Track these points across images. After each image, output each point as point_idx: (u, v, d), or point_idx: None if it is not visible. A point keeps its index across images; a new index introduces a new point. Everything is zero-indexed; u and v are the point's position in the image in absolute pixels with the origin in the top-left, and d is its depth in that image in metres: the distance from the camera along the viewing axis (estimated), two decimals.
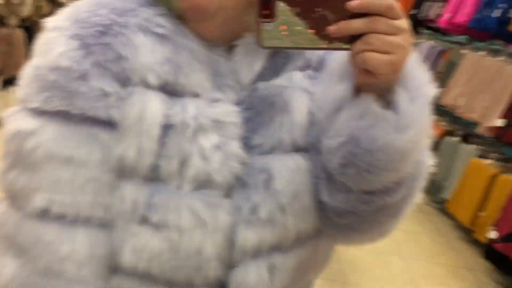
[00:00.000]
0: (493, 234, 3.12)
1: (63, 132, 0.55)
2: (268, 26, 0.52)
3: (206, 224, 0.57)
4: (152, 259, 0.57)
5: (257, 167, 0.61)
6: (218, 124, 0.58)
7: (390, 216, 0.64)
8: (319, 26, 0.52)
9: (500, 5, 3.56)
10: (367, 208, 0.60)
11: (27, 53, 4.33)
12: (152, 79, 0.57)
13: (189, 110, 0.57)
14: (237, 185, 0.60)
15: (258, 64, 0.62)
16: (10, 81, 4.23)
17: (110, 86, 0.56)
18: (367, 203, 0.59)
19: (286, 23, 0.52)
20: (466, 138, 4.14)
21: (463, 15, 4.14)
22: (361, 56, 0.51)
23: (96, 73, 0.56)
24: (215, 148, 0.58)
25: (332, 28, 0.51)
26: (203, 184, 0.57)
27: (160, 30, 0.58)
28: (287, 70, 0.64)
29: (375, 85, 0.54)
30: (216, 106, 0.59)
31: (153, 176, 0.57)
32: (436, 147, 4.39)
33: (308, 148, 0.63)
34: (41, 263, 0.55)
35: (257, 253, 0.61)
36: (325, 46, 0.53)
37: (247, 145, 0.61)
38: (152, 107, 0.56)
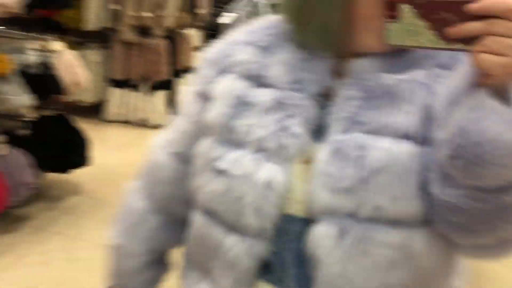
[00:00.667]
0: None
1: (191, 100, 0.84)
2: (392, 26, 0.57)
3: (248, 177, 0.70)
4: (212, 198, 0.74)
5: (356, 142, 0.67)
6: (281, 105, 0.72)
7: (508, 222, 0.61)
8: (440, 27, 0.55)
9: None
10: (481, 206, 0.59)
11: (170, 61, 4.77)
12: (240, 71, 0.77)
13: (262, 94, 0.73)
14: (332, 156, 0.67)
15: (376, 61, 0.70)
16: (156, 87, 4.68)
17: (211, 73, 0.80)
18: (480, 201, 0.59)
19: (409, 24, 0.57)
20: None
21: None
22: (478, 58, 0.52)
23: (207, 65, 0.82)
24: (274, 121, 0.71)
25: (452, 30, 0.54)
26: (259, 149, 0.71)
27: (262, 44, 0.78)
28: (412, 69, 0.70)
29: (491, 86, 0.55)
30: (286, 93, 0.72)
31: (226, 137, 0.74)
32: None
33: (419, 139, 0.66)
34: None
35: (332, 214, 0.67)
36: (445, 46, 0.56)
37: (352, 120, 0.68)
38: (233, 85, 0.76)
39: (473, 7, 0.52)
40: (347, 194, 0.66)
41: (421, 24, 0.56)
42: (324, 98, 0.73)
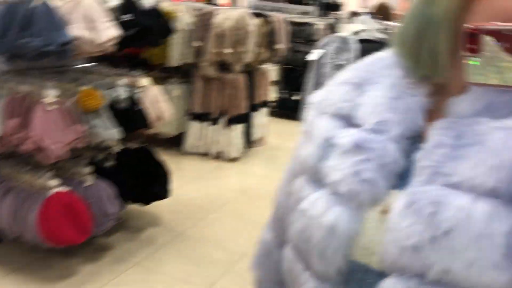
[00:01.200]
0: None
1: (300, 140, 0.85)
2: (474, 61, 0.50)
3: (317, 219, 0.69)
4: (295, 236, 0.74)
5: (432, 195, 0.60)
6: (359, 148, 0.69)
7: None
8: None
9: None
10: None
11: (247, 95, 4.84)
12: (333, 110, 0.76)
13: (345, 136, 0.71)
14: (405, 209, 0.62)
15: (477, 102, 0.64)
16: (233, 120, 4.75)
17: (313, 114, 0.81)
18: None
19: (494, 59, 0.49)
20: None
21: None
22: None
23: (312, 107, 0.83)
24: (350, 165, 0.69)
25: None
26: (334, 191, 0.70)
27: (357, 80, 0.76)
28: None
29: None
30: (367, 135, 0.70)
31: (314, 178, 0.74)
32: None
33: (508, 197, 0.57)
34: None
35: (401, 271, 0.62)
36: None
37: (436, 170, 0.62)
38: (325, 125, 0.76)
39: None
40: (414, 253, 0.60)
41: (507, 59, 0.49)
42: (414, 141, 0.68)
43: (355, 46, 2.01)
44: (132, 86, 2.96)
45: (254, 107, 5.03)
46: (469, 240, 0.57)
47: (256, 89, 5.05)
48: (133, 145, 3.20)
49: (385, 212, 0.66)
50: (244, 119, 4.82)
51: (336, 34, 2.11)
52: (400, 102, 0.70)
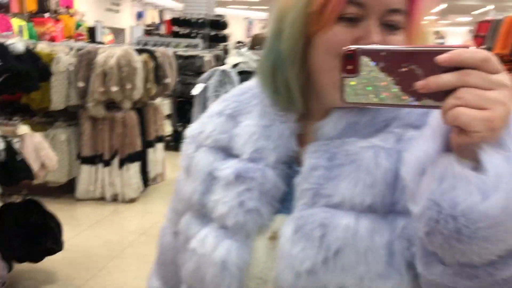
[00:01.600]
0: None
1: (180, 177, 0.84)
2: (351, 81, 0.51)
3: (208, 256, 0.69)
4: (188, 276, 0.74)
5: (317, 218, 0.64)
6: (240, 178, 0.70)
7: None
8: (405, 82, 0.49)
9: None
10: (472, 284, 0.52)
11: (140, 132, 4.72)
12: (211, 143, 0.76)
13: (226, 167, 0.72)
14: (295, 234, 0.64)
15: (341, 123, 0.68)
16: (127, 159, 4.58)
17: (191, 148, 0.79)
18: (470, 278, 0.52)
19: (371, 79, 0.50)
20: None
21: None
22: (453, 113, 0.47)
23: (188, 141, 0.82)
24: (234, 196, 0.70)
25: (420, 84, 0.48)
26: (221, 225, 0.70)
27: (230, 111, 0.78)
28: (379, 133, 0.66)
29: (471, 146, 0.48)
30: (245, 164, 0.71)
31: (200, 214, 0.74)
32: None
33: (384, 211, 0.62)
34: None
35: None
36: (411, 103, 0.49)
37: (316, 192, 0.65)
38: (204, 158, 0.76)
39: (443, 58, 0.47)
40: (309, 276, 0.62)
41: (384, 78, 0.50)
42: (291, 165, 0.71)
43: (236, 78, 2.06)
44: (9, 136, 2.74)
45: (149, 144, 4.92)
46: (358, 256, 0.61)
47: (149, 125, 4.95)
48: (17, 198, 2.95)
49: (273, 238, 0.68)
50: (139, 157, 4.68)
51: (217, 68, 2.15)
52: (272, 130, 0.72)
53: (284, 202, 0.70)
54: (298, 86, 0.70)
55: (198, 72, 6.43)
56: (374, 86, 0.50)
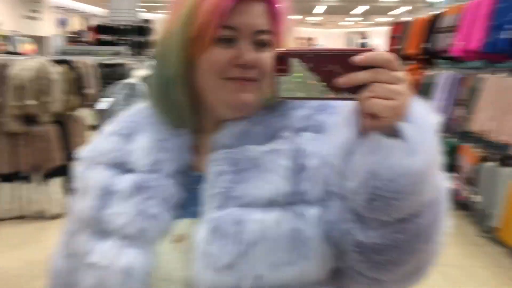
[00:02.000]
0: None
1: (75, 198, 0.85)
2: (283, 80, 0.61)
3: (111, 267, 0.71)
4: None
5: (232, 217, 0.70)
6: (140, 189, 0.75)
7: (426, 242, 0.67)
8: (329, 79, 0.60)
9: (507, 26, 3.57)
10: (403, 236, 0.64)
11: (62, 146, 4.56)
12: (106, 161, 0.80)
13: (123, 181, 0.77)
14: (211, 234, 0.69)
15: (235, 133, 0.77)
16: (50, 175, 4.41)
17: (85, 169, 0.83)
18: (402, 231, 0.63)
19: (300, 77, 0.60)
20: (504, 161, 4.03)
21: (475, 42, 4.16)
22: (368, 103, 0.58)
23: (82, 162, 0.85)
24: (133, 206, 0.74)
25: (341, 80, 0.59)
26: (122, 236, 0.73)
27: (125, 131, 0.82)
28: (277, 137, 0.76)
29: (381, 129, 0.60)
30: (144, 176, 0.76)
31: (96, 229, 0.76)
32: (475, 175, 4.28)
33: (289, 203, 0.71)
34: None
35: None
36: (334, 96, 0.60)
37: (226, 195, 0.72)
38: (99, 176, 0.79)
39: (359, 59, 0.59)
40: (228, 270, 0.68)
41: (310, 76, 0.60)
42: (187, 174, 0.78)
43: (143, 93, 2.06)
44: None
45: (73, 157, 4.75)
46: (269, 246, 0.68)
47: (72, 138, 4.79)
48: None
49: (178, 241, 0.73)
50: (62, 171, 4.51)
51: (124, 81, 2.14)
52: (168, 143, 0.78)
53: (185, 208, 0.76)
54: (187, 105, 0.78)
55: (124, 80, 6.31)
56: (303, 83, 0.60)
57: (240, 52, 0.73)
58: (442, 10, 5.27)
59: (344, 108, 0.65)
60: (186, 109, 0.78)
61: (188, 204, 0.76)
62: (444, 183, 0.67)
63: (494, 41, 3.78)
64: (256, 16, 0.74)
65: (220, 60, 0.73)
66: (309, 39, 25.77)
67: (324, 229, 0.70)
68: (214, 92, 0.75)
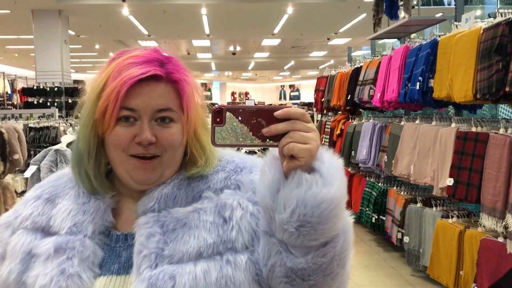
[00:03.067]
0: None
1: None
2: (219, 130, 0.73)
3: None
4: None
5: (166, 274, 0.76)
6: (60, 250, 0.80)
7: (340, 266, 0.77)
8: (256, 129, 0.73)
9: (419, 78, 3.91)
10: (325, 259, 0.74)
11: None
12: (28, 225, 0.85)
13: (45, 244, 0.81)
14: None
15: (159, 197, 0.84)
16: None
17: (6, 235, 0.86)
18: (323, 255, 0.74)
19: (232, 127, 0.73)
20: (428, 202, 4.28)
21: (391, 93, 4.50)
22: (287, 147, 0.71)
23: (2, 229, 0.88)
24: (54, 267, 0.78)
25: (265, 130, 0.72)
26: None
27: (47, 196, 0.88)
28: (200, 198, 0.85)
29: (300, 168, 0.73)
30: (65, 237, 0.81)
31: None
32: (403, 217, 4.50)
33: (215, 252, 0.79)
34: None
35: None
36: (259, 143, 0.73)
37: (159, 254, 0.78)
38: (21, 240, 0.83)
39: (279, 113, 0.72)
40: None
41: (241, 127, 0.73)
42: (105, 235, 0.84)
43: (68, 159, 2.07)
44: None
45: None
46: None
47: (2, 205, 4.56)
48: None
49: None
50: None
51: (50, 147, 2.13)
52: (89, 206, 0.84)
53: (107, 266, 0.81)
54: (97, 176, 0.85)
55: (53, 143, 6.16)
56: (235, 133, 0.73)
57: (140, 130, 0.81)
58: (362, 64, 5.67)
59: (265, 160, 0.77)
60: (96, 180, 0.85)
61: (110, 262, 0.81)
62: (349, 216, 0.80)
63: (407, 92, 4.11)
64: (156, 97, 0.81)
65: (122, 138, 0.81)
66: (246, 93, 26.75)
67: (253, 272, 0.79)
68: (120, 166, 0.83)
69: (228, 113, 0.73)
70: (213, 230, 0.81)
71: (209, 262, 0.78)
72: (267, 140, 0.73)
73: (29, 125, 6.21)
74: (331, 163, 0.75)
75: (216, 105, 0.74)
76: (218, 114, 0.73)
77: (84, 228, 0.82)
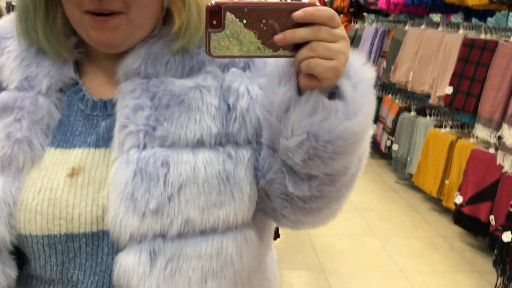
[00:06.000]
0: (459, 199, 3.19)
1: None
2: (216, 36, 0.54)
3: None
4: None
5: (159, 159, 0.63)
6: (8, 109, 0.66)
7: (349, 188, 0.67)
8: (265, 36, 0.55)
9: None
10: (332, 188, 0.63)
11: None
12: None
13: None
14: (136, 177, 0.62)
15: (136, 62, 0.67)
16: None
17: None
18: (331, 183, 0.62)
19: (234, 33, 0.54)
20: (422, 112, 4.23)
21: None
22: (307, 63, 0.54)
23: None
24: (1, 129, 0.65)
25: (278, 37, 0.54)
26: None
27: None
28: (200, 70, 0.68)
29: (319, 87, 0.57)
30: (14, 93, 0.66)
31: None
32: (394, 125, 4.47)
33: (218, 142, 0.66)
34: None
35: (141, 239, 0.62)
36: (270, 54, 0.56)
37: (149, 134, 0.64)
38: None
39: (299, 15, 0.53)
40: (155, 215, 0.62)
41: (246, 32, 0.55)
42: (69, 92, 0.68)
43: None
44: None
45: None
46: (198, 188, 0.63)
47: None
48: None
49: (72, 175, 0.64)
50: None
51: None
52: (43, 56, 0.68)
53: (78, 136, 0.66)
54: (48, 35, 0.67)
55: None
56: (237, 40, 0.55)
57: None
58: None
59: (277, 65, 0.60)
60: (49, 40, 0.67)
61: (86, 133, 0.67)
62: (369, 142, 0.66)
63: None
64: None
65: None
66: None
67: (252, 173, 0.67)
68: (78, 25, 0.65)
69: (228, 14, 0.54)
70: (218, 117, 0.66)
71: (210, 153, 0.65)
72: (281, 50, 0.56)
73: None
74: (360, 78, 0.58)
75: (211, 2, 0.54)
76: (215, 15, 0.54)
77: (38, 83, 0.67)
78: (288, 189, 0.64)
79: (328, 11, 0.54)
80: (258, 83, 0.67)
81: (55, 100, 0.67)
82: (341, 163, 0.60)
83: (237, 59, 0.69)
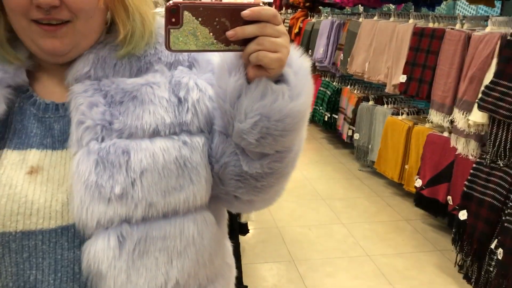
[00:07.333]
0: (418, 183, 3.32)
1: None
2: (175, 32, 0.61)
3: None
4: None
5: (118, 148, 0.68)
6: None
7: (293, 165, 0.75)
8: (218, 32, 0.62)
9: None
10: (281, 164, 0.72)
11: None
12: None
13: None
14: (98, 166, 0.67)
15: (86, 67, 0.72)
16: None
17: None
18: (280, 160, 0.71)
19: (191, 29, 0.61)
20: (380, 100, 4.36)
21: None
22: (255, 55, 0.62)
23: None
24: None
25: (229, 33, 0.62)
26: None
27: None
28: (148, 70, 0.75)
29: (268, 76, 0.65)
30: None
31: None
32: (355, 115, 4.59)
33: (172, 131, 0.72)
34: None
35: (108, 225, 0.67)
36: (223, 48, 0.63)
37: (106, 127, 0.69)
38: None
39: (247, 13, 0.61)
40: (120, 200, 0.67)
41: (201, 29, 0.61)
42: (13, 95, 0.71)
43: None
44: None
45: None
46: (158, 173, 0.69)
47: None
48: None
49: (33, 172, 0.67)
50: None
51: None
52: None
53: (33, 138, 0.69)
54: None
55: None
56: (194, 36, 0.62)
57: None
58: None
59: (225, 58, 0.67)
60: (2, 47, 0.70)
61: (41, 135, 0.70)
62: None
63: None
64: None
65: (18, 0, 0.65)
66: None
67: (207, 159, 0.73)
68: (23, 34, 0.68)
69: (186, 12, 0.61)
70: (170, 109, 0.72)
71: (167, 141, 0.71)
72: (232, 44, 0.63)
73: None
74: (300, 66, 0.67)
75: (170, 1, 0.61)
76: (174, 14, 0.61)
77: None
78: (242, 168, 0.71)
79: (271, 10, 0.62)
80: (205, 79, 0.75)
81: (5, 94, 0.69)
82: (289, 139, 0.68)
83: (181, 58, 0.76)
